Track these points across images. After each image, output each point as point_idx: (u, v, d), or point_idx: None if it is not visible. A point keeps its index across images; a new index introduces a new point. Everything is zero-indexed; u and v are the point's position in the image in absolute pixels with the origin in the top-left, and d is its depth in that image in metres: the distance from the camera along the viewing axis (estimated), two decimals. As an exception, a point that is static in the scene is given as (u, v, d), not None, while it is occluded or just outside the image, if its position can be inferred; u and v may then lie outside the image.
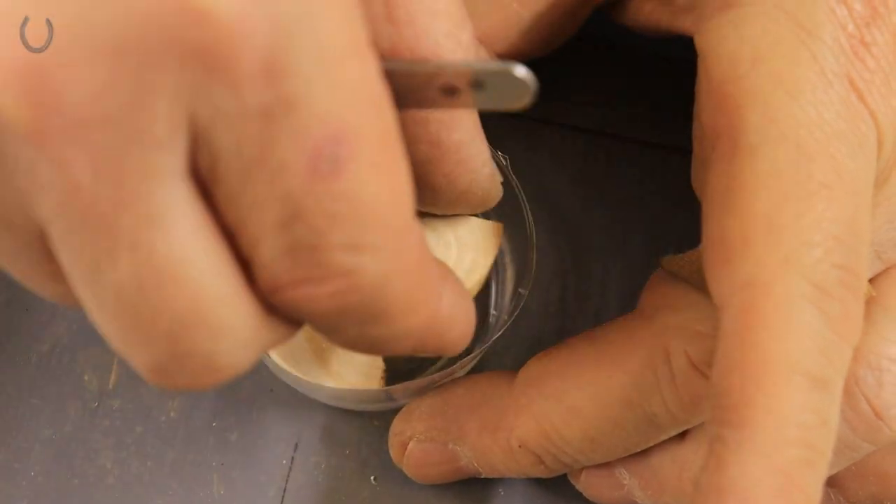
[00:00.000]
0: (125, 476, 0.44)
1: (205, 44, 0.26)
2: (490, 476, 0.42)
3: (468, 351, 0.45)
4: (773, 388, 0.32)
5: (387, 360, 0.45)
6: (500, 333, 0.43)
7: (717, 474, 0.32)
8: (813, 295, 0.33)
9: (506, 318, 0.44)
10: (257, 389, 0.45)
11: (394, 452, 0.43)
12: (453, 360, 0.45)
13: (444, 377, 0.42)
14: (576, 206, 0.48)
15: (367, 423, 0.45)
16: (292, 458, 0.45)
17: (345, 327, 0.30)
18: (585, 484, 0.42)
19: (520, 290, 0.44)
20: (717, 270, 0.34)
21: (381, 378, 0.44)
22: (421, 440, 0.42)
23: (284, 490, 0.44)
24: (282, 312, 0.30)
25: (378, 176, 0.28)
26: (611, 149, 0.49)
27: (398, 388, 0.43)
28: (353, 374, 0.44)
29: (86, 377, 0.45)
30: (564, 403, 0.39)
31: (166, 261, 0.27)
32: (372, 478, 0.44)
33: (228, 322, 0.29)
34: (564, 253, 0.47)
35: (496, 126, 0.48)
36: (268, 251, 0.28)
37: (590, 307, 0.47)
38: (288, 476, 0.44)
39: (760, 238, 0.33)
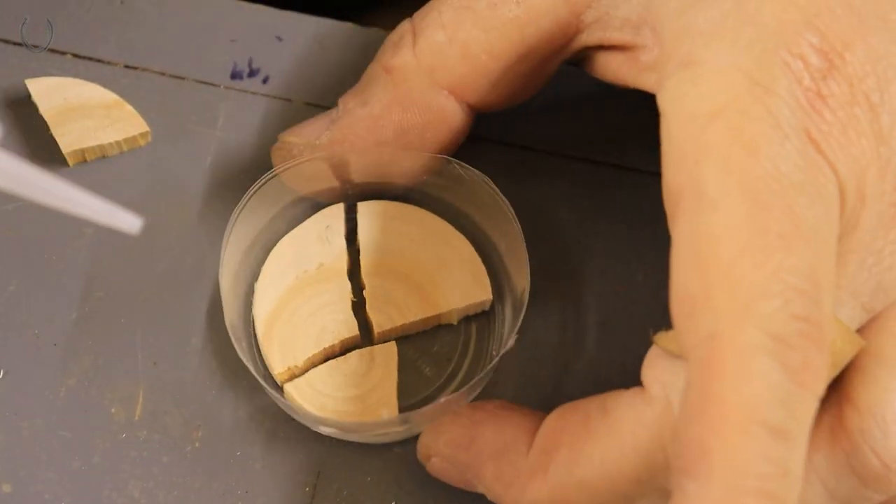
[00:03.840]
0: (153, 505, 0.45)
1: None
2: None
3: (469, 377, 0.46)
4: (731, 438, 0.32)
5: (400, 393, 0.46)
6: (497, 359, 0.44)
7: None
8: (771, 346, 0.33)
9: (509, 343, 0.45)
10: (280, 419, 0.46)
11: (420, 456, 0.44)
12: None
13: (453, 403, 0.44)
14: (575, 234, 0.49)
15: (387, 450, 0.46)
16: (315, 486, 0.46)
17: None
18: None
19: (513, 336, 0.44)
20: (681, 323, 0.35)
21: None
22: (443, 461, 0.43)
23: (308, 517, 0.45)
24: None
25: None
26: (607, 177, 0.50)
27: (405, 416, 0.44)
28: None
29: (113, 410, 0.46)
30: (576, 476, 0.40)
31: None
32: (393, 504, 0.45)
33: None
34: (564, 280, 0.48)
35: (493, 157, 0.49)
36: None
37: (590, 326, 0.48)
38: None
39: (720, 290, 0.34)
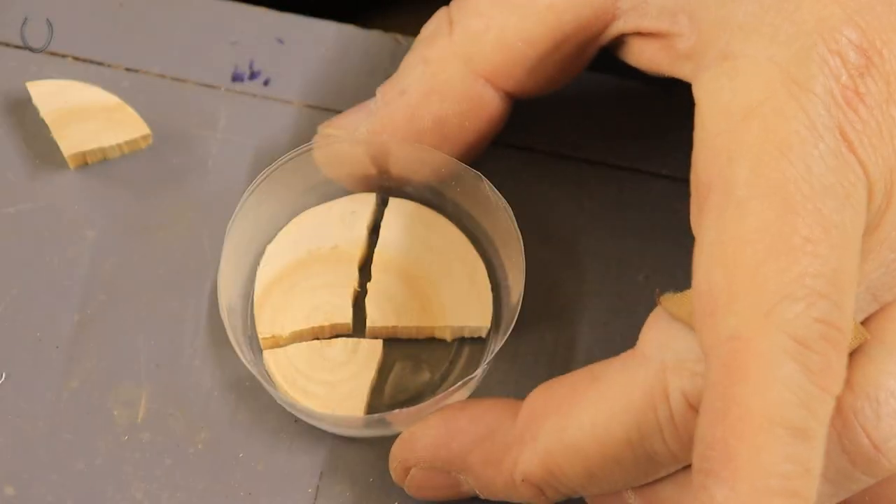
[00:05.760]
0: (155, 507, 0.45)
1: None
2: (490, 499, 0.43)
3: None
4: (755, 440, 0.33)
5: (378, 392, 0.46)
6: (490, 358, 0.44)
7: None
8: (794, 349, 0.34)
9: (496, 345, 0.45)
10: (282, 420, 0.46)
11: (395, 476, 0.44)
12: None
13: (439, 402, 0.44)
14: (576, 235, 0.49)
15: (389, 450, 0.46)
16: (317, 486, 0.46)
17: None
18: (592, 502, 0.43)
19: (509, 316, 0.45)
20: (703, 320, 0.35)
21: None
22: (424, 468, 0.43)
23: (311, 518, 0.45)
24: None
25: None
26: (609, 178, 0.50)
27: (395, 414, 0.44)
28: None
29: (115, 412, 0.46)
30: (567, 442, 0.40)
31: None
32: (395, 504, 0.46)
33: None
34: (564, 281, 0.48)
35: (504, 159, 0.49)
36: None
37: (590, 328, 0.48)
38: (314, 504, 0.46)
39: (744, 292, 0.34)
